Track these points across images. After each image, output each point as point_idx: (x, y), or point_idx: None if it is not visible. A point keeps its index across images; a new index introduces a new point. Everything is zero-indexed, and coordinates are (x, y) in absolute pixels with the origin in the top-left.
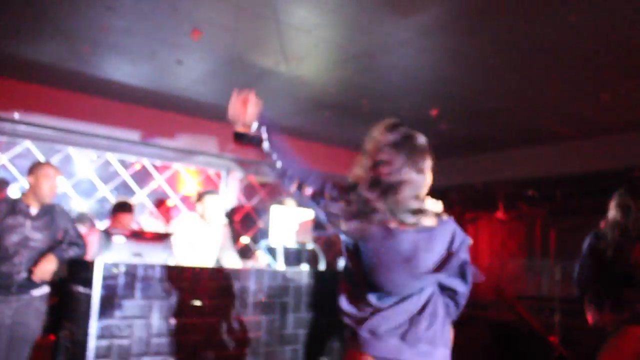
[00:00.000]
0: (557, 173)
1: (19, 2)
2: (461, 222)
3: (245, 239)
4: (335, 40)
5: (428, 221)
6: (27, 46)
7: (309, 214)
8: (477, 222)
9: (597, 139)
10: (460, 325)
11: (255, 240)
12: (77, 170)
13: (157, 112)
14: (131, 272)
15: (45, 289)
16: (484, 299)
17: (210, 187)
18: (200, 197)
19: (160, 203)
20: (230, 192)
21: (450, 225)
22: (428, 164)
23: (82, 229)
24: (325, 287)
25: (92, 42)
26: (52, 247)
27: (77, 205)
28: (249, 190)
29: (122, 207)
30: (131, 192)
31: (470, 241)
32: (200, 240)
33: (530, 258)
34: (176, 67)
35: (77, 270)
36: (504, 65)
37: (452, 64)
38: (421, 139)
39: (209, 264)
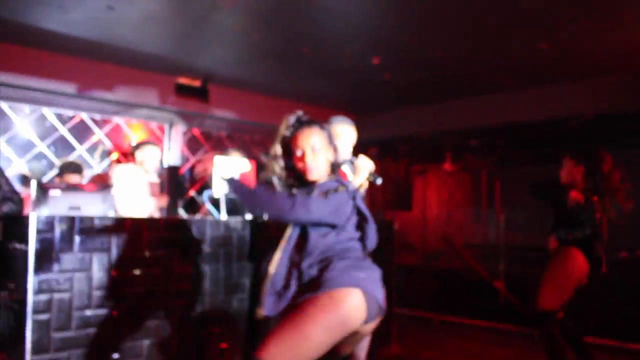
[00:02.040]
0: (500, 122)
1: None
2: (409, 174)
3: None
4: None
5: None
6: None
7: (249, 164)
8: (425, 174)
9: (538, 88)
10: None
11: (200, 192)
12: (12, 126)
13: (93, 63)
14: (68, 225)
15: None
16: (433, 248)
17: (157, 138)
18: (139, 146)
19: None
20: (174, 145)
21: None
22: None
23: (25, 190)
24: (268, 235)
25: None
26: None
27: (15, 163)
28: (193, 143)
29: (71, 168)
30: (71, 148)
31: None
32: (140, 191)
33: (477, 208)
34: (108, 13)
35: (12, 227)
36: (444, 12)
37: (392, 10)
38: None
39: (150, 214)
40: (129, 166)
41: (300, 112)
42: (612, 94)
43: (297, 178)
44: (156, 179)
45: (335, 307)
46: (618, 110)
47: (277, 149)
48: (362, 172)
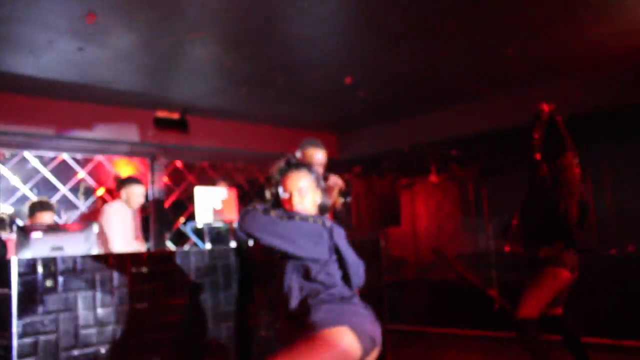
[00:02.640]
0: (481, 130)
1: None
2: (395, 188)
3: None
4: (230, 11)
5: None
6: None
7: (230, 193)
8: (412, 188)
9: (513, 94)
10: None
11: (185, 224)
12: None
13: (71, 103)
14: (49, 266)
15: None
16: (425, 261)
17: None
18: (123, 184)
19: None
20: (157, 178)
21: None
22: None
23: (4, 234)
24: (254, 261)
25: None
26: None
27: None
28: (176, 175)
29: (41, 207)
30: (54, 189)
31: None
32: (127, 226)
33: (466, 217)
34: (79, 54)
35: None
36: (411, 28)
37: (355, 30)
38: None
39: (136, 248)
40: (117, 203)
41: (290, 155)
42: (584, 94)
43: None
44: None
45: (329, 348)
46: (590, 109)
47: (267, 192)
48: (332, 191)
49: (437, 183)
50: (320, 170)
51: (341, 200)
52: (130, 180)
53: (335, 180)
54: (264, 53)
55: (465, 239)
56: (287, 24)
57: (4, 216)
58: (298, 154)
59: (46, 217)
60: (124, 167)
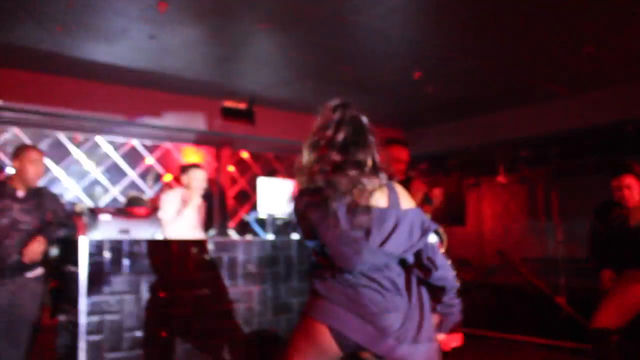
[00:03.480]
0: (551, 131)
1: None
2: (461, 187)
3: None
4: (300, 2)
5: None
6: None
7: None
8: (478, 187)
9: (588, 94)
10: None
11: (250, 214)
12: (67, 154)
13: (142, 90)
14: (117, 248)
15: (38, 271)
16: (490, 263)
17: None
18: (184, 170)
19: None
20: (222, 167)
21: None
22: (373, 141)
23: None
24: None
25: (62, 22)
26: (41, 229)
27: (72, 190)
28: (241, 165)
29: (135, 202)
30: (122, 173)
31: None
32: (189, 214)
33: (534, 220)
34: (151, 42)
35: (67, 251)
36: (484, 24)
37: (429, 24)
38: (364, 119)
39: (197, 236)
40: (176, 190)
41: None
42: None
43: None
44: (199, 201)
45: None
46: None
47: None
48: (415, 195)
49: (505, 184)
50: (399, 167)
51: (428, 203)
52: (191, 165)
53: (418, 186)
54: (332, 45)
55: (533, 243)
56: (357, 15)
57: (83, 210)
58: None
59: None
60: (191, 156)
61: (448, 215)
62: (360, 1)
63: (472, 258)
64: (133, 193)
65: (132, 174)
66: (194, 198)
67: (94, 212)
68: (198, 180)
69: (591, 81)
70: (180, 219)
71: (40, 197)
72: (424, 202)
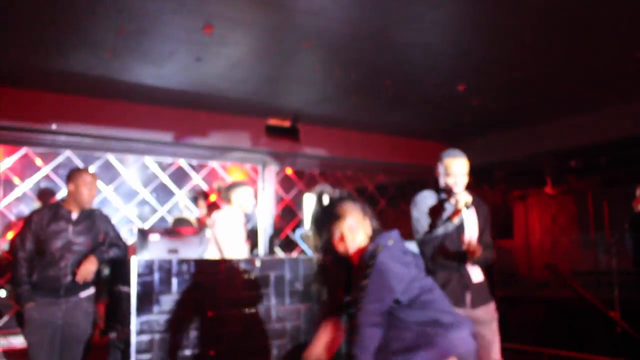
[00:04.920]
0: (601, 140)
1: (42, 16)
2: (508, 199)
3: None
4: (344, 20)
5: None
6: (55, 58)
7: None
8: (526, 199)
9: (636, 101)
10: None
11: (296, 231)
12: (117, 175)
13: (187, 111)
14: (166, 268)
15: (91, 290)
16: (539, 277)
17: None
18: (231, 188)
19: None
20: (267, 185)
21: None
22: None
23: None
24: None
25: (113, 48)
26: (94, 249)
27: (122, 210)
28: (286, 183)
29: (181, 223)
30: (170, 193)
31: None
32: (238, 233)
33: (583, 231)
34: (197, 64)
35: (118, 270)
36: (525, 31)
37: (470, 36)
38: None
39: (245, 254)
40: (226, 210)
41: (324, 190)
42: None
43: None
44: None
45: None
46: None
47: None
48: (461, 205)
49: (552, 195)
50: (463, 180)
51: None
52: (236, 184)
53: (465, 195)
54: (375, 61)
55: (583, 256)
56: (400, 31)
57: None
58: (439, 167)
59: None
60: (236, 174)
61: (494, 229)
62: (402, 17)
63: (520, 272)
64: (179, 215)
65: (179, 194)
66: (242, 216)
67: (143, 233)
68: (248, 197)
69: (637, 89)
70: (231, 238)
71: (93, 219)
72: (466, 209)
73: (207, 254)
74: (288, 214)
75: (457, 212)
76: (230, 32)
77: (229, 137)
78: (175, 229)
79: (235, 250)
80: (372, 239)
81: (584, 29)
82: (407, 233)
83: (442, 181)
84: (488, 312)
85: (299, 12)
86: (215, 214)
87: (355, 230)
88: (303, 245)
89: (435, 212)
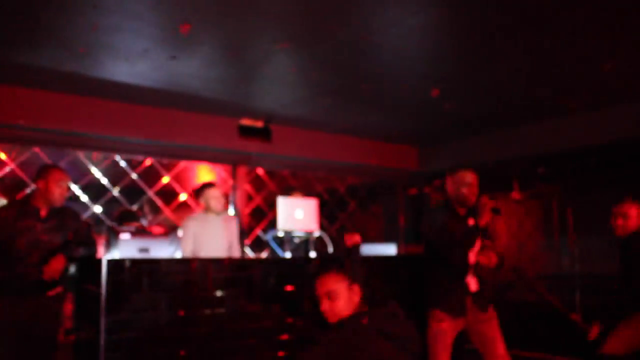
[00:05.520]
0: (568, 148)
1: (8, 10)
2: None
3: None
4: (322, 22)
5: None
6: (24, 52)
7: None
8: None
9: (602, 110)
10: None
11: (266, 231)
12: (85, 173)
13: (159, 109)
14: (136, 267)
15: (58, 289)
16: (504, 280)
17: (222, 179)
18: (199, 190)
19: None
20: (239, 185)
21: None
22: None
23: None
24: None
25: (85, 43)
26: (62, 247)
27: (91, 209)
28: (257, 183)
29: (127, 218)
30: (140, 192)
31: None
32: (209, 234)
33: (549, 237)
34: (171, 63)
35: (87, 269)
36: (500, 38)
37: (446, 42)
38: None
39: (221, 254)
40: (195, 216)
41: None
42: None
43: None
44: (230, 221)
45: None
46: None
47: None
48: (483, 212)
49: (519, 200)
50: (472, 190)
51: (496, 213)
52: (205, 185)
53: (485, 201)
54: (351, 64)
55: (548, 259)
56: (378, 35)
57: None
58: (449, 181)
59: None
60: (205, 175)
61: None
62: (381, 21)
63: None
64: (124, 208)
65: (149, 193)
66: (213, 218)
67: (113, 231)
68: (214, 197)
69: (610, 97)
70: (203, 244)
71: (63, 216)
72: (493, 214)
73: (178, 253)
74: (259, 215)
75: (485, 218)
76: (206, 31)
77: (201, 136)
78: (146, 228)
79: (209, 251)
80: (356, 308)
81: (557, 39)
82: (376, 235)
83: (455, 192)
84: (487, 312)
85: (274, 14)
86: (185, 220)
87: (336, 297)
88: (274, 246)
89: (453, 224)
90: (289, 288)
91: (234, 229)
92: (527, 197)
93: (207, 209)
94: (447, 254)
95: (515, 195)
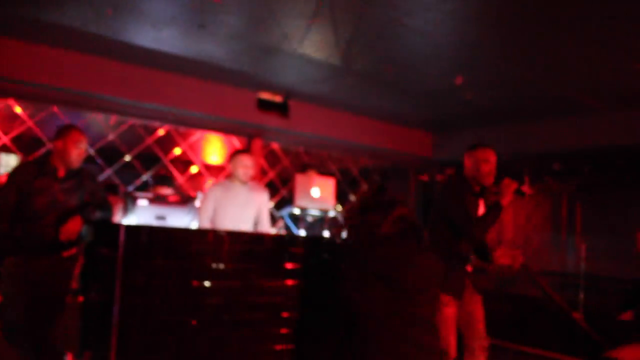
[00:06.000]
0: (585, 146)
1: None
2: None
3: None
4: (355, 1)
5: None
6: (51, 9)
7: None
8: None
9: (627, 111)
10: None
11: (278, 207)
12: (102, 136)
13: (178, 77)
14: (153, 235)
15: (73, 250)
16: (508, 273)
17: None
18: (232, 156)
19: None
20: (254, 159)
21: None
22: None
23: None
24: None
25: (113, 5)
26: (80, 209)
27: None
28: (272, 158)
29: (161, 181)
30: (156, 158)
31: None
32: (232, 203)
33: (556, 233)
34: (198, 31)
35: (102, 233)
36: (531, 32)
37: (478, 31)
38: None
39: (245, 225)
40: (220, 184)
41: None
42: None
43: None
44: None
45: None
46: None
47: None
48: (506, 192)
49: (529, 194)
50: (490, 168)
51: (521, 194)
52: (237, 151)
53: (508, 182)
54: (379, 45)
55: (554, 256)
56: (410, 18)
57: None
58: (467, 158)
59: (165, 191)
60: (219, 145)
61: None
62: (415, 5)
63: (490, 267)
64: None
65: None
66: (239, 187)
67: (132, 197)
68: (242, 165)
69: (631, 99)
70: (224, 212)
71: (80, 177)
72: (517, 196)
73: (195, 223)
74: (271, 190)
75: (508, 198)
76: (236, 2)
77: (218, 106)
78: (163, 196)
79: (230, 221)
80: None
81: (588, 37)
82: None
83: (473, 169)
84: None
85: None
86: (207, 187)
87: None
88: (289, 223)
89: (471, 201)
90: (299, 266)
91: (263, 202)
92: (537, 192)
93: (234, 177)
94: (467, 229)
95: (526, 189)
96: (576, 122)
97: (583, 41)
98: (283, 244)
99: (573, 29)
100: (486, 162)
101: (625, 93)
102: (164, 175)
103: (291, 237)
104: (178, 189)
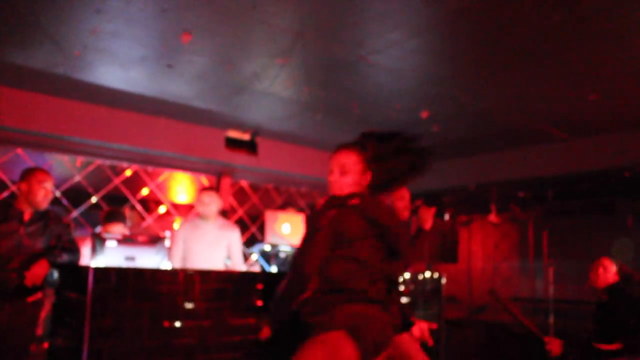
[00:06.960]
0: (548, 174)
1: (6, 8)
2: (454, 225)
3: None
4: (319, 39)
5: None
6: (17, 52)
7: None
8: (470, 225)
9: (588, 139)
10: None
11: (248, 244)
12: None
13: (146, 117)
14: (122, 276)
15: (38, 295)
16: (479, 301)
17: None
18: (198, 196)
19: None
20: (222, 197)
21: None
22: None
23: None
24: None
25: (81, 47)
26: (45, 252)
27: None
28: (241, 196)
29: (112, 217)
30: (123, 199)
31: None
32: (200, 241)
33: (524, 260)
34: (165, 71)
35: (69, 276)
36: (493, 66)
37: (442, 65)
38: None
39: (216, 264)
40: (187, 222)
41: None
42: None
43: None
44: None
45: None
46: None
47: None
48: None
49: (496, 223)
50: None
51: None
52: (201, 190)
53: (425, 211)
54: (346, 82)
55: (522, 282)
56: (375, 55)
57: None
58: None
59: (117, 229)
60: (189, 184)
61: (441, 253)
62: (380, 43)
63: (460, 296)
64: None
65: (133, 200)
66: (207, 225)
67: (99, 238)
68: (203, 203)
69: (591, 127)
70: (193, 251)
71: (46, 220)
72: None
73: (165, 263)
74: (241, 228)
75: (428, 222)
76: (206, 41)
77: (187, 145)
78: (133, 237)
79: (199, 260)
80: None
81: (550, 68)
82: None
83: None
84: None
85: (272, 28)
86: (176, 229)
87: (346, 175)
88: (261, 260)
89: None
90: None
91: (234, 240)
92: (503, 221)
93: (201, 215)
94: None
95: (492, 218)
96: (538, 151)
97: (542, 74)
98: (251, 281)
99: (532, 63)
100: (401, 199)
101: (581, 122)
102: (112, 211)
103: (258, 274)
104: (131, 222)
